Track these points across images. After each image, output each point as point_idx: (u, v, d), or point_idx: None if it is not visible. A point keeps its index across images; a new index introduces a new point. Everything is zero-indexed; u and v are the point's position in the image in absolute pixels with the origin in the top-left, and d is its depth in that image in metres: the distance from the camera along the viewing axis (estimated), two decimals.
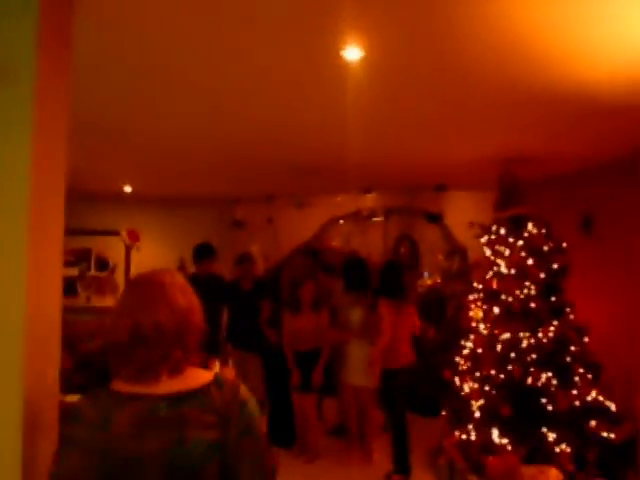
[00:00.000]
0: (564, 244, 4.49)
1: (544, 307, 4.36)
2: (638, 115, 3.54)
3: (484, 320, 4.58)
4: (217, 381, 1.43)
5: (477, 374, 4.46)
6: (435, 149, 4.76)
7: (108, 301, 7.36)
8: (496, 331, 4.44)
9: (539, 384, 4.12)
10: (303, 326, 4.61)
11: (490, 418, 4.21)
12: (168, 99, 3.52)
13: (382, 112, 3.67)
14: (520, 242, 4.53)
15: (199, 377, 1.43)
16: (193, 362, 1.46)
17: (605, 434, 3.97)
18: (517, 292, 4.41)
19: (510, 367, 4.25)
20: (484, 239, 4.80)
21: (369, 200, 6.99)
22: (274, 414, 4.99)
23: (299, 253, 7.21)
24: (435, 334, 5.61)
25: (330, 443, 5.07)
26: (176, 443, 1.33)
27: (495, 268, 4.63)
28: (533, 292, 4.37)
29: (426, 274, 6.63)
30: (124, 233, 7.26)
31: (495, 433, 4.12)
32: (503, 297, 4.49)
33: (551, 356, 4.21)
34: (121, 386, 1.39)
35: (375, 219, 6.99)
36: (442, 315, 6.16)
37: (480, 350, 4.53)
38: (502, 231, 4.68)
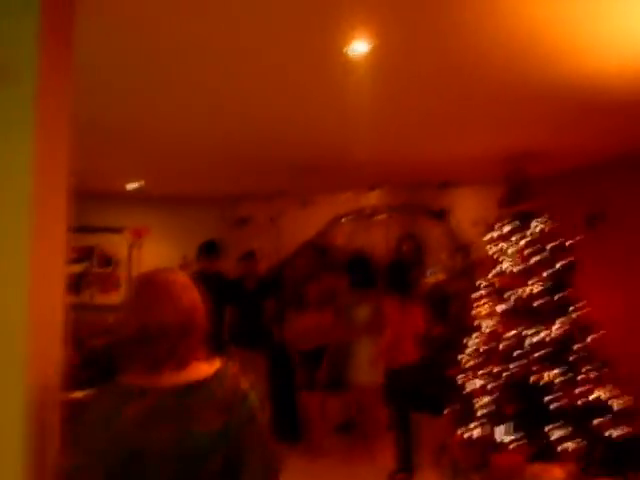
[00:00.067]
0: (570, 240, 4.46)
1: (549, 304, 4.34)
2: None
3: (489, 318, 4.56)
4: (219, 374, 1.48)
5: (482, 372, 4.45)
6: (440, 145, 4.74)
7: (112, 298, 7.36)
8: (501, 329, 4.42)
9: (544, 382, 4.10)
10: (308, 325, 4.61)
11: (495, 416, 4.20)
12: (171, 98, 3.52)
13: (387, 109, 3.65)
14: (526, 239, 4.51)
15: (202, 370, 1.47)
16: (198, 357, 1.50)
17: (611, 432, 3.95)
18: (522, 289, 4.39)
19: (515, 365, 4.23)
20: (489, 236, 4.78)
21: (373, 198, 6.96)
22: (279, 412, 4.98)
23: (305, 250, 7.20)
24: (439, 332, 5.58)
25: (334, 441, 5.06)
26: (181, 434, 1.38)
27: (500, 265, 4.61)
28: (538, 289, 4.35)
29: (429, 272, 6.60)
30: (127, 230, 7.26)
31: (500, 431, 4.11)
32: (508, 294, 4.47)
33: (556, 354, 4.19)
34: (128, 380, 1.44)
35: (379, 217, 6.97)
36: (446, 313, 6.14)
37: (485, 348, 4.52)
38: (507, 228, 4.66)
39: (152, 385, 1.42)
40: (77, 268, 7.42)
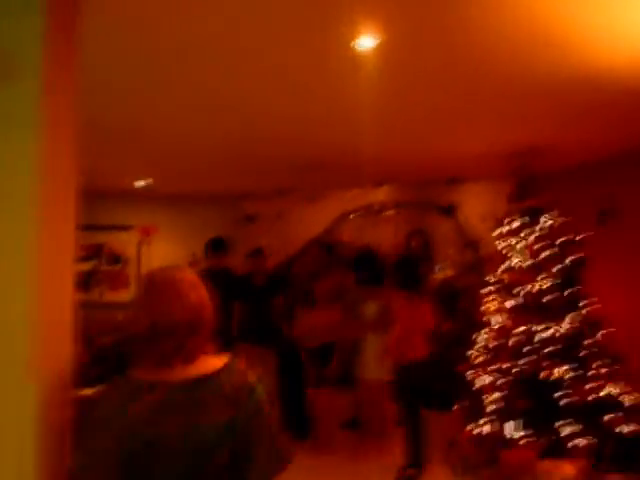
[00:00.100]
0: (580, 236, 4.42)
1: (559, 300, 4.31)
2: None
3: (498, 313, 4.54)
4: (227, 369, 1.51)
5: (491, 368, 4.43)
6: (447, 141, 4.72)
7: (121, 296, 7.39)
8: (510, 324, 4.40)
9: (554, 378, 4.08)
10: (317, 322, 4.62)
11: (505, 412, 4.19)
12: (177, 96, 3.52)
13: (393, 104, 3.64)
14: (535, 234, 4.48)
15: (210, 365, 1.51)
16: (206, 352, 1.53)
17: (622, 428, 3.93)
18: (531, 285, 4.37)
19: (525, 361, 4.21)
20: (498, 232, 4.76)
21: (381, 194, 6.94)
22: (287, 408, 4.99)
23: (313, 248, 7.19)
24: (449, 327, 5.56)
25: (344, 437, 5.07)
26: (190, 427, 1.42)
27: (509, 261, 4.59)
28: (548, 285, 4.32)
29: (438, 267, 6.58)
30: (136, 227, 7.29)
31: (510, 427, 4.09)
32: (517, 290, 4.45)
33: (566, 350, 4.17)
34: (137, 376, 1.48)
35: (386, 213, 6.95)
36: (456, 308, 6.12)
37: (494, 344, 4.50)
38: (516, 223, 4.63)
39: (161, 380, 1.45)
40: (86, 266, 7.46)
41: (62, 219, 1.73)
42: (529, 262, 4.45)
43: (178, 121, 4.15)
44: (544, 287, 4.33)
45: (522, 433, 4.03)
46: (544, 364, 4.14)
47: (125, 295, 7.22)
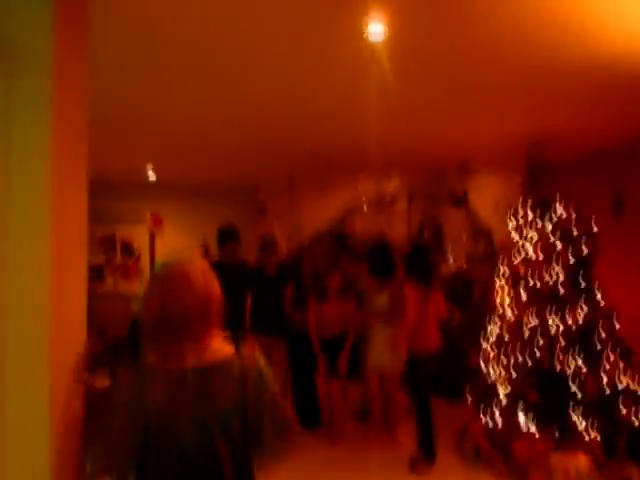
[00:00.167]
0: (594, 227, 4.38)
1: (573, 291, 4.28)
2: None
3: (511, 304, 4.52)
4: (236, 354, 1.62)
5: (504, 359, 4.41)
6: (460, 130, 4.68)
7: (134, 287, 7.46)
8: (523, 316, 4.37)
9: (567, 369, 4.06)
10: (330, 314, 4.62)
11: (517, 403, 4.17)
12: (189, 86, 3.51)
13: (405, 93, 3.60)
14: (548, 225, 4.44)
15: (221, 350, 1.61)
16: (216, 338, 1.62)
17: (635, 419, 3.90)
18: (545, 276, 4.33)
19: (538, 352, 4.19)
20: (511, 222, 4.72)
21: (392, 183, 6.91)
22: (299, 397, 5.02)
23: (324, 237, 7.19)
24: (461, 318, 5.55)
25: (354, 427, 5.08)
26: (203, 405, 1.53)
27: (522, 251, 4.55)
28: (561, 276, 4.29)
29: (450, 258, 6.55)
30: (148, 217, 7.32)
31: (522, 418, 4.08)
32: (530, 281, 4.42)
33: (580, 341, 4.14)
34: (152, 361, 1.57)
35: (399, 203, 6.92)
36: (468, 299, 6.09)
37: (507, 335, 4.48)
38: (530, 213, 4.59)
39: (174, 365, 1.54)
40: (99, 257, 7.53)
41: (74, 210, 1.74)
42: (542, 253, 4.41)
43: (190, 112, 4.15)
44: (558, 278, 4.29)
45: (535, 424, 4.01)
46: (557, 355, 4.12)
47: (138, 286, 7.28)
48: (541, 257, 4.41)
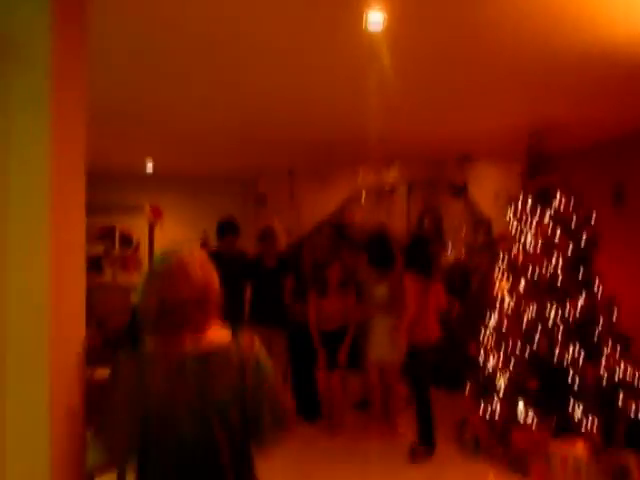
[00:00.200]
0: (594, 216, 4.37)
1: (572, 280, 4.28)
2: None
3: (510, 294, 4.52)
4: (234, 341, 1.64)
5: (503, 348, 4.43)
6: (460, 119, 4.66)
7: (133, 278, 7.45)
8: (522, 305, 4.38)
9: (566, 358, 4.07)
10: (330, 308, 4.63)
11: (516, 392, 4.19)
12: (188, 78, 3.49)
13: (405, 82, 3.58)
14: (548, 214, 4.43)
15: (219, 337, 1.63)
16: (214, 326, 1.63)
17: (633, 408, 3.92)
18: (544, 265, 4.33)
19: (536, 341, 4.20)
20: (510, 211, 4.71)
21: (392, 173, 6.89)
22: (299, 389, 5.03)
23: (323, 229, 7.18)
24: (460, 308, 5.56)
25: (354, 417, 5.10)
26: (202, 394, 1.55)
27: (522, 241, 4.55)
28: (560, 265, 4.29)
29: (449, 248, 6.55)
30: (147, 209, 7.31)
31: (521, 407, 4.10)
32: (529, 270, 4.42)
33: (578, 330, 4.15)
34: (151, 348, 1.59)
35: (398, 192, 6.90)
36: (467, 289, 6.10)
37: (506, 324, 4.48)
38: (529, 203, 4.58)
39: (173, 351, 1.57)
40: (99, 248, 7.52)
41: (72, 202, 1.74)
42: (542, 242, 4.41)
43: (190, 104, 4.13)
44: (557, 267, 4.29)
45: (534, 413, 4.03)
46: (556, 344, 4.13)
47: (137, 277, 7.27)
48: (540, 247, 4.41)
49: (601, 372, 4.05)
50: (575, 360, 4.06)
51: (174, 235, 7.20)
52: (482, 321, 4.71)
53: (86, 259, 1.84)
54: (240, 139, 5.47)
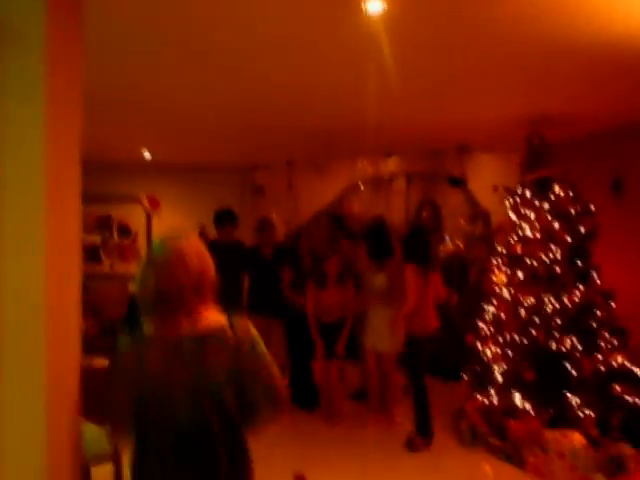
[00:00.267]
0: (592, 207, 4.36)
1: (570, 271, 4.28)
2: None
3: (508, 285, 4.53)
4: (230, 322, 1.68)
5: (500, 338, 4.44)
6: (459, 110, 4.63)
7: (131, 267, 7.43)
8: (520, 296, 4.39)
9: (563, 349, 4.09)
10: (329, 300, 4.63)
11: (513, 382, 4.21)
12: (185, 65, 3.46)
13: (403, 72, 3.54)
14: (546, 205, 4.43)
15: (215, 320, 1.67)
16: (210, 310, 1.67)
17: (629, 399, 3.94)
18: (542, 256, 4.33)
19: (534, 332, 4.21)
20: (509, 202, 4.71)
21: (390, 164, 6.88)
22: (297, 378, 5.05)
23: (321, 219, 7.17)
24: (458, 299, 5.57)
25: (352, 407, 5.12)
26: (199, 374, 1.60)
27: (520, 232, 4.55)
28: (559, 256, 4.29)
29: (448, 238, 6.55)
30: (144, 200, 7.28)
31: (518, 397, 4.11)
32: (527, 261, 4.42)
33: (576, 321, 4.16)
34: (150, 331, 1.63)
35: (396, 183, 6.89)
36: (465, 280, 6.11)
37: (503, 315, 4.49)
38: (528, 194, 4.58)
39: (170, 334, 1.61)
40: (96, 238, 7.49)
41: (68, 191, 1.73)
42: (540, 233, 4.41)
43: (188, 92, 4.10)
44: (555, 258, 4.30)
45: (530, 403, 4.05)
46: (554, 335, 4.14)
47: (135, 267, 7.23)
48: (539, 237, 4.41)
49: (598, 363, 4.06)
50: (572, 351, 4.08)
51: (172, 224, 7.16)
52: (480, 312, 4.72)
53: (84, 249, 1.84)
54: (238, 127, 5.43)
